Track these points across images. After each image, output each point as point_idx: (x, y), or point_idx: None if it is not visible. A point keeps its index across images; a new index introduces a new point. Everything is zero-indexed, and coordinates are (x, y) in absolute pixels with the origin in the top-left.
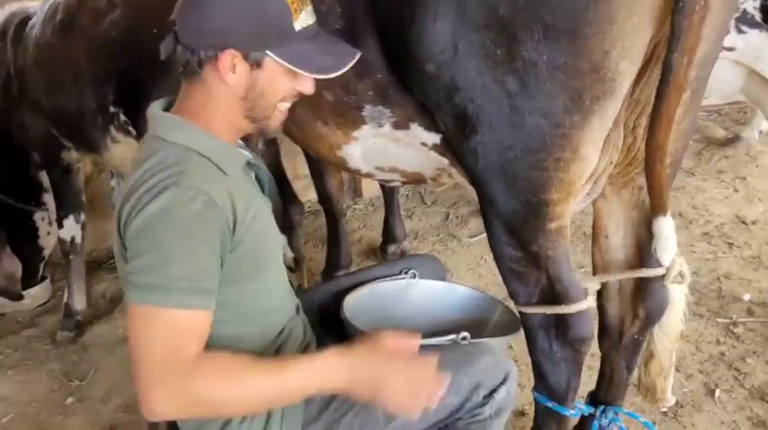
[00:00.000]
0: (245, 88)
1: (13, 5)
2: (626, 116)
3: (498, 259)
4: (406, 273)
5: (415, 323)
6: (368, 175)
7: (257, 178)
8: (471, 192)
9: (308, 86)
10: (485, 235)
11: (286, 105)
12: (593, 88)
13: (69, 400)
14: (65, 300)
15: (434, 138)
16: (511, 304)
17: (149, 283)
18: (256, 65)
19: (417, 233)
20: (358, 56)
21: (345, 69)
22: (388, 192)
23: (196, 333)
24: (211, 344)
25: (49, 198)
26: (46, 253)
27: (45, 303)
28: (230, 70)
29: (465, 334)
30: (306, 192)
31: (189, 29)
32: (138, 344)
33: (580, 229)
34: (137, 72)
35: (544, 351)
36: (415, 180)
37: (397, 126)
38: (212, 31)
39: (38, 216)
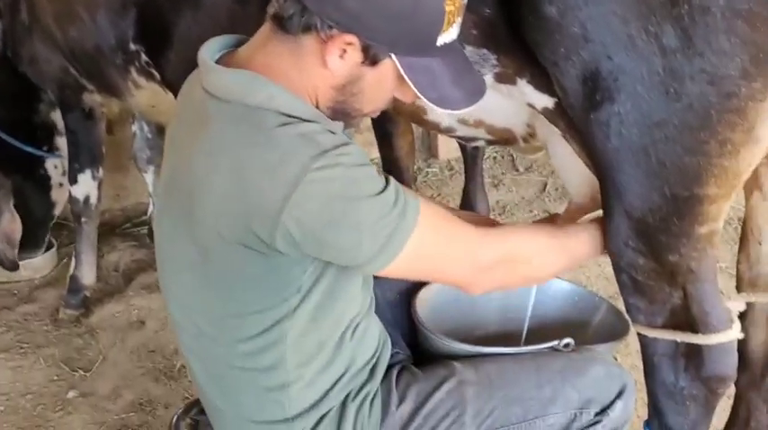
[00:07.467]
0: (346, 80)
1: None
2: None
3: (617, 265)
4: None
5: (499, 326)
6: (447, 131)
7: None
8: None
9: (408, 96)
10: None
11: (375, 113)
12: None
13: (71, 394)
14: (71, 271)
15: (547, 101)
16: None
17: (387, 235)
18: (371, 61)
19: (505, 207)
20: (485, 95)
21: (469, 109)
22: (470, 155)
23: (445, 211)
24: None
25: (63, 142)
26: (57, 210)
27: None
28: (338, 55)
29: (568, 340)
30: (367, 149)
31: None
32: (436, 268)
33: None
34: (158, 2)
35: (667, 385)
36: (503, 139)
37: (500, 78)
38: (348, 9)
39: (50, 163)
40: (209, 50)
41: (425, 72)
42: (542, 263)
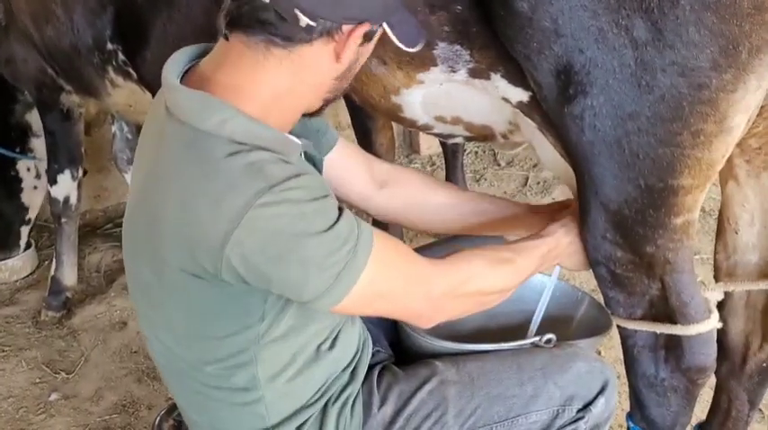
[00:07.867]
0: (349, 65)
1: None
2: None
3: (595, 259)
4: None
5: (480, 322)
6: (424, 128)
7: (313, 164)
8: (549, 162)
9: (366, 54)
10: None
11: None
12: (753, 36)
13: (53, 396)
14: (52, 272)
15: (521, 95)
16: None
17: (335, 273)
18: (369, 38)
19: None
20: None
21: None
22: (450, 150)
23: (398, 245)
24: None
25: (38, 144)
26: (31, 214)
27: (28, 276)
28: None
29: (550, 335)
30: None
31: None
32: (389, 304)
33: None
34: (135, 0)
35: (648, 377)
36: (482, 135)
37: (474, 74)
38: (367, 2)
39: (22, 165)
40: (176, 63)
41: (403, 24)
42: (494, 288)
